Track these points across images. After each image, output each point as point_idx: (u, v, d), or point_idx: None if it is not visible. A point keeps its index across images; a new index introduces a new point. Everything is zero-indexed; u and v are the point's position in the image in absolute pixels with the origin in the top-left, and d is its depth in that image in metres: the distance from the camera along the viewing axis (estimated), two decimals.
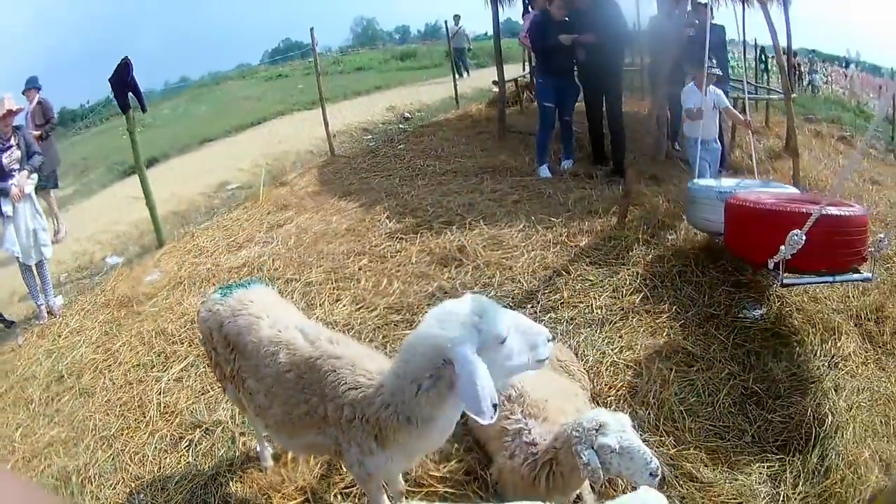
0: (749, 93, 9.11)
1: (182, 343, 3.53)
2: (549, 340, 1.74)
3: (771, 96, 8.89)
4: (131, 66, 5.29)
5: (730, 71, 5.58)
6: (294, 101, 11.84)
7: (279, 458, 2.63)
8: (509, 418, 2.20)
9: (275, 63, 21.58)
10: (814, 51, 21.06)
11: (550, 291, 3.67)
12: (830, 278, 3.30)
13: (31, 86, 5.96)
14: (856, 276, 3.35)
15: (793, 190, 4.25)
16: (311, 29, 7.74)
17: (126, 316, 3.96)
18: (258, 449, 2.64)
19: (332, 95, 12.22)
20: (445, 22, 14.31)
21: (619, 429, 1.86)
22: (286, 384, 1.98)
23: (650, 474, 1.79)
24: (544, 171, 5.98)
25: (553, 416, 2.16)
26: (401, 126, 9.14)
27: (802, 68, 20.48)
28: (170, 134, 11.00)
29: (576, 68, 6.19)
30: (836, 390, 2.97)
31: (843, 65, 23.73)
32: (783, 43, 8.38)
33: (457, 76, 12.74)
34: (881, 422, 2.86)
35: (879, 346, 3.40)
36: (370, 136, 8.53)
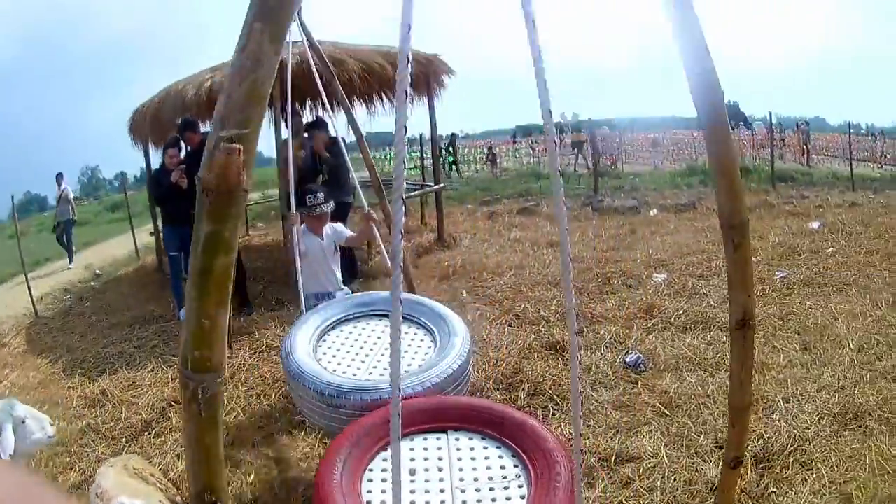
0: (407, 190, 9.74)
1: None
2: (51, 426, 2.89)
3: (425, 189, 9.46)
4: None
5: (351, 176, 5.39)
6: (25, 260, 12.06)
7: None
8: None
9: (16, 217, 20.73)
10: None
11: (163, 420, 4.37)
12: None
13: None
14: None
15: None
16: (12, 196, 8.54)
17: None
18: None
19: (53, 254, 12.55)
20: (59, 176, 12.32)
21: None
22: None
23: None
24: (183, 315, 6.50)
25: None
26: (92, 283, 9.69)
27: (495, 150, 23.25)
28: None
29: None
30: None
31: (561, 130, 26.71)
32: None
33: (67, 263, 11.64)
34: None
35: None
36: (69, 296, 9.06)
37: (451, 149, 22.57)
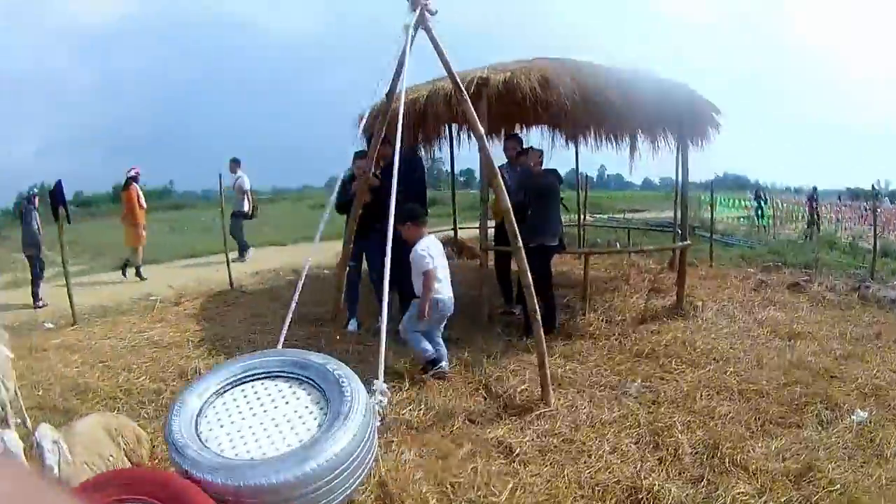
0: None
1: None
2: None
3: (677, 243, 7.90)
4: (62, 187, 7.61)
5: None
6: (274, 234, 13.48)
7: None
8: None
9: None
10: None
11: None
12: None
13: None
14: None
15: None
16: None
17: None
18: None
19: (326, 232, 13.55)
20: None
21: None
22: None
23: None
24: (352, 326, 6.24)
25: None
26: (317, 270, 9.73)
27: (819, 211, 18.60)
28: (165, 243, 13.27)
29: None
30: None
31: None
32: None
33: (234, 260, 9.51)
34: None
35: None
36: (280, 275, 9.41)
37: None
